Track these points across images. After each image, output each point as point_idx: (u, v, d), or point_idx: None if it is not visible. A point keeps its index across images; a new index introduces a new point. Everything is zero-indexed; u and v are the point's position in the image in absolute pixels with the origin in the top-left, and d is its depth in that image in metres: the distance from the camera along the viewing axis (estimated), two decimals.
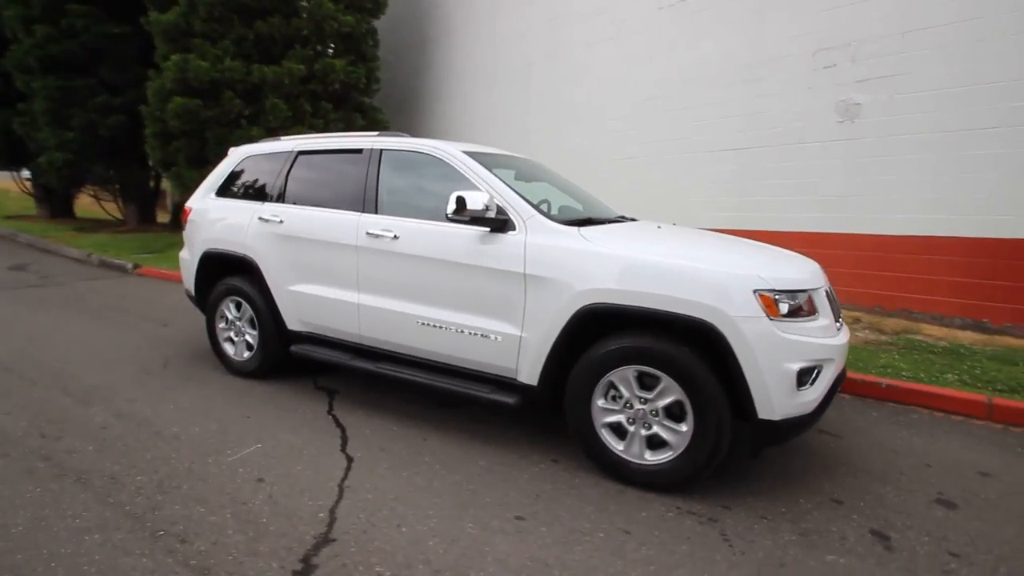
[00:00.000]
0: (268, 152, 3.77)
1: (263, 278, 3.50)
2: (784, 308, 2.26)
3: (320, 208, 3.34)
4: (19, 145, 12.39)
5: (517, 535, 2.09)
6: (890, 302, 5.25)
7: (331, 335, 3.33)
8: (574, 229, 2.64)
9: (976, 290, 4.89)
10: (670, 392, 2.34)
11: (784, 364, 2.20)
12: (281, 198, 3.55)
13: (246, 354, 3.72)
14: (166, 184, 13.65)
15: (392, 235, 2.98)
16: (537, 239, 2.62)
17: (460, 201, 2.59)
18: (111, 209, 13.08)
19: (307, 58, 8.61)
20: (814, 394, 2.31)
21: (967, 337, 4.73)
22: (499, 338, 2.69)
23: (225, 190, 3.92)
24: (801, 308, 2.32)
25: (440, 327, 2.85)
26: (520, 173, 3.38)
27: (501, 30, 8.78)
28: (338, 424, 3.04)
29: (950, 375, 3.82)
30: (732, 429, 2.30)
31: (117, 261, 8.29)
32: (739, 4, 6.16)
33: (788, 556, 2.02)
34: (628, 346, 2.38)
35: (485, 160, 3.02)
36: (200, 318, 4.04)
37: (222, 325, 3.82)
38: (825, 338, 2.36)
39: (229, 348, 3.80)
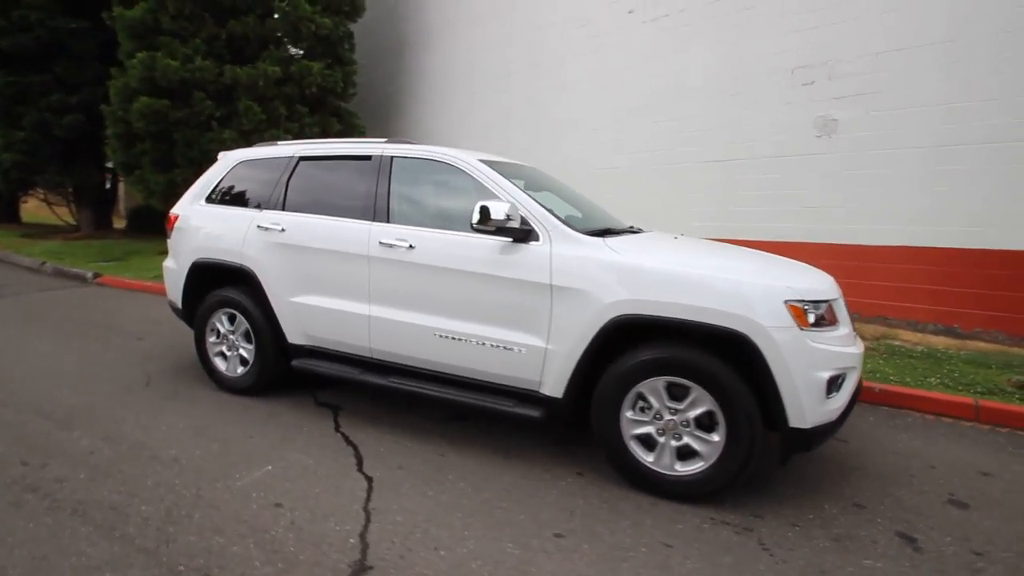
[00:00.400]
0: (265, 157, 3.61)
1: (262, 289, 3.33)
2: (812, 318, 2.31)
3: (326, 216, 3.21)
4: None
5: (559, 554, 2.04)
6: (868, 309, 5.48)
7: (337, 348, 3.19)
8: (599, 240, 2.63)
9: (948, 297, 5.17)
10: (701, 402, 2.34)
11: (815, 372, 2.25)
12: (282, 205, 3.39)
13: (240, 369, 3.52)
14: (124, 188, 12.95)
15: (407, 245, 2.89)
16: (563, 249, 2.59)
17: (484, 211, 2.54)
18: (63, 214, 12.31)
19: (282, 60, 8.37)
20: (840, 401, 2.37)
21: (940, 342, 4.99)
22: (523, 350, 2.64)
23: (216, 196, 3.73)
24: (824, 318, 2.38)
25: (459, 339, 2.78)
26: (529, 182, 3.35)
27: (481, 37, 8.77)
28: (349, 442, 2.91)
29: (932, 379, 4.00)
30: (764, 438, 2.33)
31: (75, 270, 7.78)
32: (720, 20, 6.35)
33: (827, 563, 2.04)
34: (660, 357, 2.37)
35: (501, 169, 2.98)
36: (179, 330, 3.82)
37: (213, 339, 3.61)
38: (847, 347, 2.43)
39: (221, 363, 3.59)
